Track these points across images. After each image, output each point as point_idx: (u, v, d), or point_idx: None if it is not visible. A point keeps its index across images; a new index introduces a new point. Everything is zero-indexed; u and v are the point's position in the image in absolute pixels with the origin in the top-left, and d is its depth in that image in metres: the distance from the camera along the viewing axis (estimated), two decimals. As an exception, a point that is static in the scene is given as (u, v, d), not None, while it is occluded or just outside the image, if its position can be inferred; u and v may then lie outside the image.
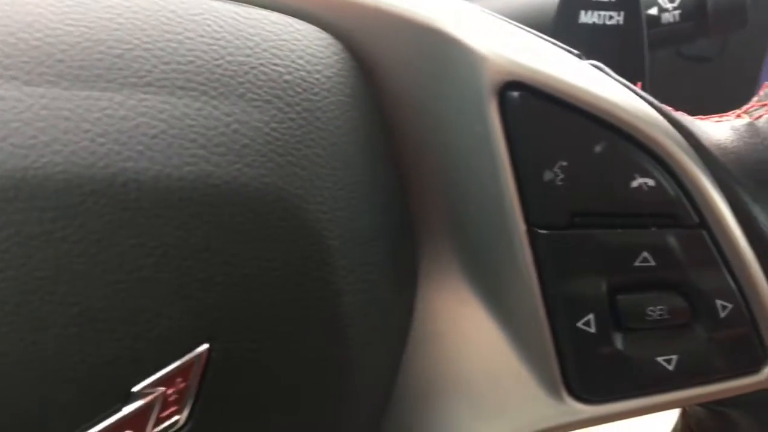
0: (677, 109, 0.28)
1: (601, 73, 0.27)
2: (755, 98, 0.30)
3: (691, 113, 0.29)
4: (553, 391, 0.27)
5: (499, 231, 0.27)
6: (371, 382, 0.26)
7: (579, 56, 0.27)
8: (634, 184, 0.26)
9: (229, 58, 0.22)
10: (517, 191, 0.26)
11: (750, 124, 0.29)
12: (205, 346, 0.21)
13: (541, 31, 0.35)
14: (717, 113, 0.30)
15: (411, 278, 0.28)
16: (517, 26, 0.28)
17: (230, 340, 0.22)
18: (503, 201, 0.26)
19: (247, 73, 0.22)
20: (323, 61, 0.24)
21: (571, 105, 0.25)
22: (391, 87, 0.26)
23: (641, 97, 0.26)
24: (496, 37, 0.26)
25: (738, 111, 0.30)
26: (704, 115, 0.30)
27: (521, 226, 0.26)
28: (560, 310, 0.27)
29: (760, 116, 0.29)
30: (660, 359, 0.27)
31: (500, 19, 0.27)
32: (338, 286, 0.23)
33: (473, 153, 0.26)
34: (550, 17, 0.32)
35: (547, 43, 0.27)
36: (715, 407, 0.30)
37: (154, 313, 0.20)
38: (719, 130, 0.28)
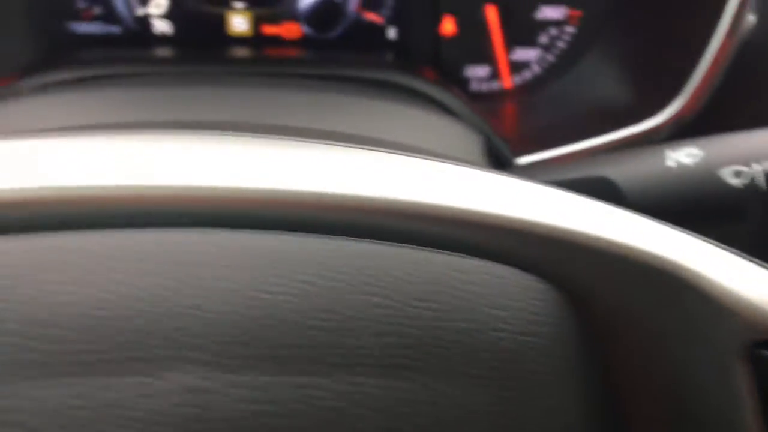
0: None
1: None
2: None
3: None
4: None
5: None
6: None
7: None
8: None
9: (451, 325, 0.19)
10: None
11: None
12: None
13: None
14: None
15: None
16: None
17: None
18: None
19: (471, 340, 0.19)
20: (543, 320, 0.21)
21: None
22: (618, 335, 0.22)
23: None
24: (745, 282, 0.22)
25: None
26: None
27: None
28: None
29: None
30: None
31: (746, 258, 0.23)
32: None
33: (715, 424, 0.22)
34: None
35: None
36: None
37: None
38: None
